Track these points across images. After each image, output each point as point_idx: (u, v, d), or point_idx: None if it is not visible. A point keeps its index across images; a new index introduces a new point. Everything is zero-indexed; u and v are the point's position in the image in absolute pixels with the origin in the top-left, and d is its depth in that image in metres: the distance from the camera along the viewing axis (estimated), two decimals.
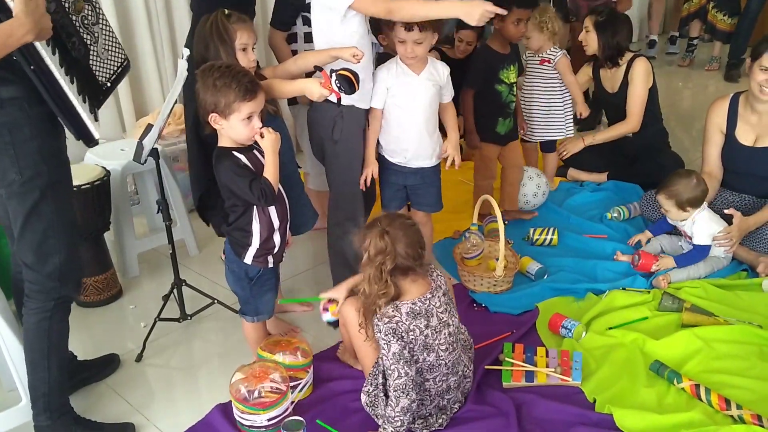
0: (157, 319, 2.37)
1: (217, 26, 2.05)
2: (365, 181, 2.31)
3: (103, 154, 2.78)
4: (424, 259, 1.84)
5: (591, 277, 2.60)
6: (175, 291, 2.41)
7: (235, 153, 1.90)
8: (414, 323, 1.79)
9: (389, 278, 1.77)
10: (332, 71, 1.98)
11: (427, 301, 1.83)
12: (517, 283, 2.60)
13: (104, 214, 2.59)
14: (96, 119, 1.80)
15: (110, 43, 1.90)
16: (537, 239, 2.89)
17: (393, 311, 1.78)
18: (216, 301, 2.47)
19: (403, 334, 1.77)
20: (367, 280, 1.79)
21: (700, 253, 2.58)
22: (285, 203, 2.01)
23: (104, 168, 2.60)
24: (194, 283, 2.50)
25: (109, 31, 1.90)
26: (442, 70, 2.34)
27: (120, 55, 1.95)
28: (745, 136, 2.72)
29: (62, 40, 1.67)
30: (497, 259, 2.49)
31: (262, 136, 1.87)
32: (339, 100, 2.08)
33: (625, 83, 3.26)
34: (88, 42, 1.79)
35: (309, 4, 2.22)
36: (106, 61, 1.87)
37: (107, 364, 2.26)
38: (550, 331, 2.33)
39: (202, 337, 2.44)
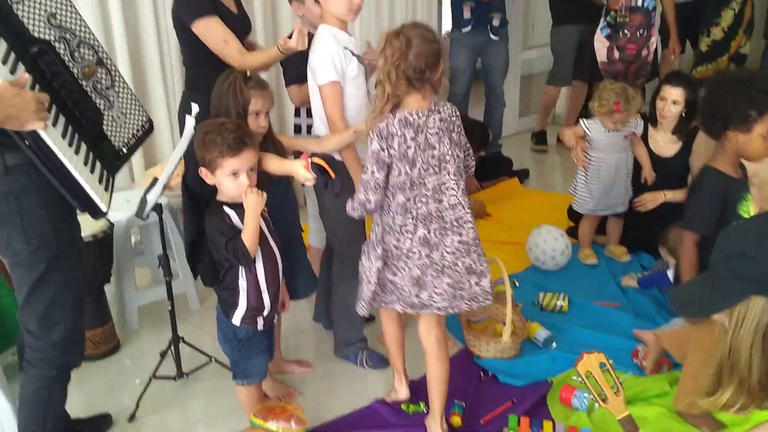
0: (152, 377, 2.31)
1: (234, 87, 2.04)
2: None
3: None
4: (428, 77, 1.84)
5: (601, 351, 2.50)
6: (172, 348, 2.35)
7: (226, 208, 1.87)
8: (401, 130, 1.84)
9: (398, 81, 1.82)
10: (311, 155, 1.96)
11: (422, 117, 1.86)
12: (525, 350, 2.52)
13: (106, 267, 2.56)
14: (108, 188, 1.72)
15: (128, 106, 1.86)
16: (547, 305, 2.81)
17: (387, 116, 1.86)
18: (213, 360, 2.41)
19: (386, 137, 1.85)
20: (387, 80, 1.83)
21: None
22: (277, 265, 1.97)
23: (108, 220, 2.58)
24: (194, 338, 2.45)
25: (127, 94, 1.86)
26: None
27: (140, 118, 1.90)
28: None
29: (69, 108, 1.62)
30: (504, 324, 2.42)
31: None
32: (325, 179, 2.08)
33: (686, 150, 3.08)
34: (102, 107, 1.74)
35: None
36: (123, 126, 1.83)
37: (99, 424, 2.19)
38: (561, 403, 2.24)
39: (198, 396, 2.37)
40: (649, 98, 3.22)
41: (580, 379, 1.57)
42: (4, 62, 1.47)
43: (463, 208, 1.90)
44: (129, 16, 3.12)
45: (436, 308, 1.93)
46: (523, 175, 4.45)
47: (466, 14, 4.21)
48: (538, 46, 5.56)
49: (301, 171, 1.93)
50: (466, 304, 1.95)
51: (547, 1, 4.72)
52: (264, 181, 1.93)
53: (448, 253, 1.89)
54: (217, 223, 1.85)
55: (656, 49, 4.03)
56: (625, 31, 3.87)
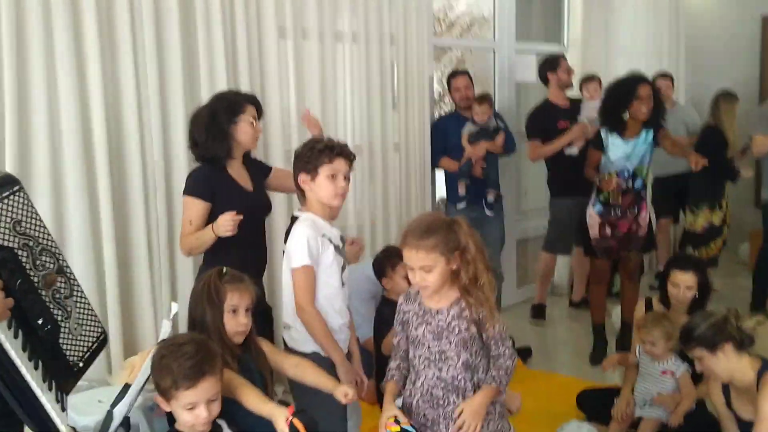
0: None
1: (208, 286, 1.93)
2: None
3: (78, 406, 2.51)
4: None
5: None
6: None
7: None
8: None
9: None
10: (294, 413, 1.76)
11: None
12: None
13: None
14: (64, 408, 1.58)
15: (84, 317, 1.74)
16: None
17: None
18: None
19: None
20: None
21: None
22: None
23: (74, 429, 2.32)
24: None
25: (84, 304, 1.75)
26: None
27: (95, 329, 1.78)
28: None
29: (29, 320, 1.50)
30: None
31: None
32: None
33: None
34: (59, 318, 1.62)
35: None
36: (79, 338, 1.69)
37: None
38: None
39: None
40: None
41: None
42: None
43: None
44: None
45: None
46: (525, 354, 4.23)
47: (461, 191, 4.23)
48: (533, 210, 5.58)
49: (280, 424, 1.73)
50: None
51: (545, 173, 4.76)
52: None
53: None
54: None
55: (650, 222, 4.02)
56: (617, 210, 3.89)
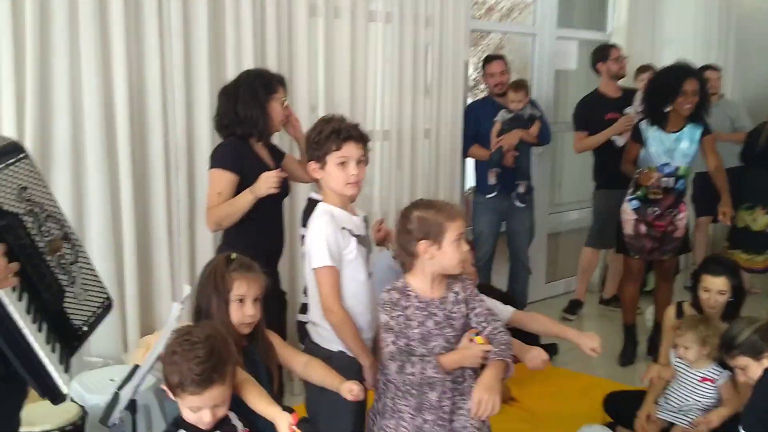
0: None
1: (213, 274, 1.85)
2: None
3: (90, 383, 2.49)
4: None
5: None
6: None
7: None
8: None
9: None
10: (298, 422, 1.67)
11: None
12: None
13: None
14: (67, 369, 1.56)
15: (90, 283, 1.71)
16: None
17: None
18: None
19: None
20: None
21: None
22: None
23: (82, 407, 2.30)
24: None
25: (90, 269, 1.73)
26: None
27: (100, 295, 1.75)
28: None
29: (33, 283, 1.50)
30: None
31: None
32: None
33: None
34: (64, 283, 1.61)
35: None
36: (84, 303, 1.68)
37: None
38: None
39: None
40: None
41: None
42: None
43: None
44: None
45: None
46: (551, 351, 4.09)
47: (492, 180, 4.09)
48: (567, 203, 5.42)
49: (282, 430, 1.64)
50: None
51: (592, 164, 4.61)
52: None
53: None
54: None
55: (687, 224, 3.85)
56: (655, 208, 3.71)
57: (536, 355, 2.22)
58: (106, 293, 1.82)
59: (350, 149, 2.06)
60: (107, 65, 2.85)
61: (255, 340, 1.91)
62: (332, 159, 2.06)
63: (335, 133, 2.05)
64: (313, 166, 2.10)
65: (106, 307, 1.81)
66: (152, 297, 3.15)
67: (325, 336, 2.12)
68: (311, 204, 2.46)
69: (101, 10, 2.80)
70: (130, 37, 2.89)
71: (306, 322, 2.27)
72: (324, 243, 2.01)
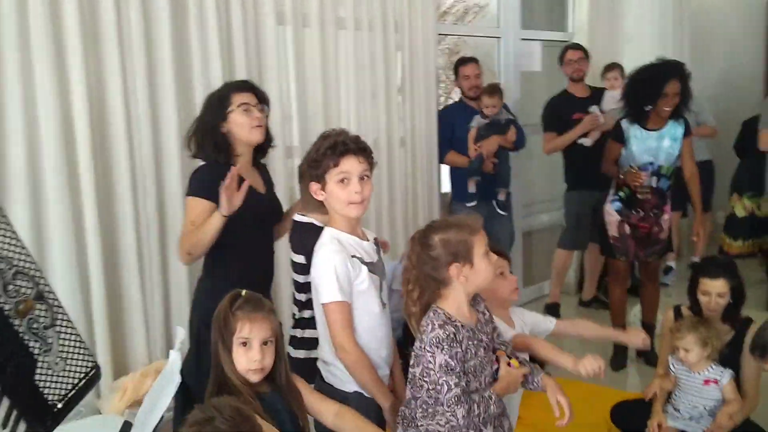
0: None
1: (218, 313, 1.65)
2: None
3: None
4: None
5: None
6: None
7: None
8: None
9: None
10: None
11: None
12: None
13: None
14: None
15: (69, 350, 1.50)
16: None
17: None
18: None
19: None
20: None
21: None
22: None
23: None
24: None
25: (70, 334, 1.50)
26: None
27: (83, 363, 1.53)
28: None
29: None
30: None
31: None
32: None
33: (736, 350, 2.70)
34: (36, 352, 1.40)
35: None
36: (60, 374, 1.46)
37: None
38: None
39: None
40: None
41: None
42: None
43: None
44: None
45: None
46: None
47: (471, 189, 3.97)
48: (538, 203, 5.37)
49: None
50: None
51: (550, 164, 4.54)
52: None
53: None
54: None
55: (669, 225, 3.80)
56: (638, 209, 3.65)
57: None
58: (92, 360, 1.60)
59: (350, 164, 1.88)
60: (64, 86, 2.60)
61: (276, 387, 1.70)
62: (332, 177, 1.88)
63: (331, 148, 1.87)
64: (314, 187, 1.92)
65: (92, 377, 1.59)
66: (124, 335, 2.89)
67: (339, 375, 1.93)
68: (297, 227, 2.27)
69: (54, 28, 2.55)
70: (88, 55, 2.64)
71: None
72: (333, 275, 1.82)
